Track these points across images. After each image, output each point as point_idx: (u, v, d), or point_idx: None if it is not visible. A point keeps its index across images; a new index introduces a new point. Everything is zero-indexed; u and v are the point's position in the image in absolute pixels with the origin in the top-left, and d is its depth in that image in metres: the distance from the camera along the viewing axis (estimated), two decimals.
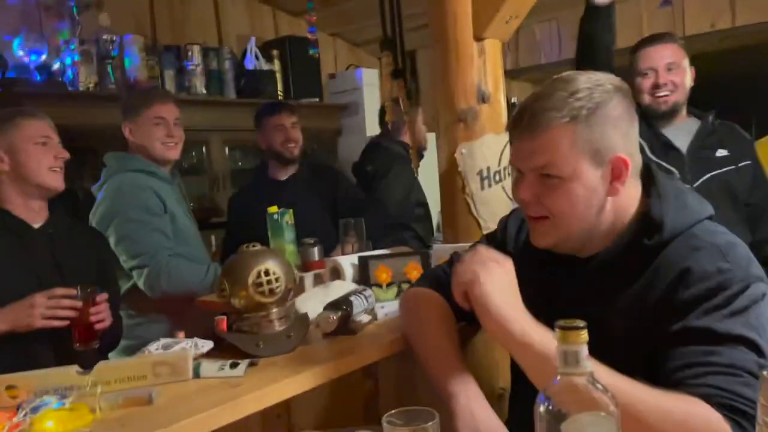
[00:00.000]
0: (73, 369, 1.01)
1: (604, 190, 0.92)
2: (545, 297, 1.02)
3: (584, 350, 0.58)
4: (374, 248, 1.85)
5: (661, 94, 1.85)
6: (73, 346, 1.38)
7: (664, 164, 1.77)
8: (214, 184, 3.22)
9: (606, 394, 0.58)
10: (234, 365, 1.06)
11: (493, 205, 1.60)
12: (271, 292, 1.16)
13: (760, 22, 3.16)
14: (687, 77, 1.89)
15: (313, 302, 1.35)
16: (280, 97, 3.48)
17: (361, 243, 1.96)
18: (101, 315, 1.44)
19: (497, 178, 1.62)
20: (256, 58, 3.38)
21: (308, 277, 1.72)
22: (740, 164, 1.83)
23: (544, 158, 0.91)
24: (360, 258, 1.60)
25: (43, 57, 2.51)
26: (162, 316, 1.93)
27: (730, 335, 0.81)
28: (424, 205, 2.78)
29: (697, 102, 2.01)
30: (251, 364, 1.08)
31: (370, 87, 3.76)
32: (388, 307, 1.43)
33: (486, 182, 1.61)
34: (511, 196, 1.65)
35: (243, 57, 3.37)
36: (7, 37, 2.50)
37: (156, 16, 3.13)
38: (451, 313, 1.15)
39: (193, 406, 0.93)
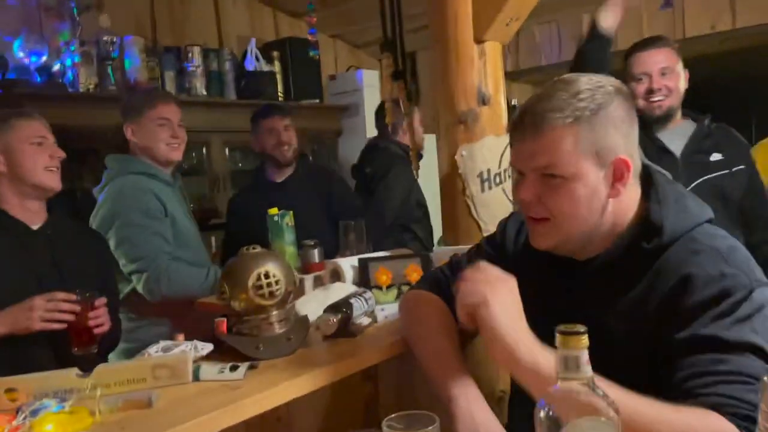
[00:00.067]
0: (73, 372, 1.01)
1: (605, 192, 0.92)
2: (544, 299, 1.02)
3: (585, 355, 0.58)
4: (374, 251, 1.84)
5: (655, 99, 1.85)
6: (72, 350, 1.38)
7: (658, 168, 1.77)
8: (215, 185, 3.22)
9: (606, 399, 0.58)
10: (234, 368, 1.06)
11: (494, 207, 1.60)
12: (271, 294, 1.16)
13: (760, 23, 3.16)
14: (681, 81, 1.89)
15: (313, 304, 1.35)
16: (280, 99, 3.49)
17: (361, 245, 1.96)
18: (100, 319, 1.44)
19: (497, 180, 1.62)
20: (257, 59, 3.38)
21: (308, 279, 1.72)
22: (734, 168, 1.83)
23: (546, 158, 0.91)
24: (360, 260, 1.60)
25: (44, 58, 2.51)
26: (162, 319, 1.93)
27: (737, 343, 0.80)
28: (423, 206, 2.78)
29: (697, 103, 2.01)
30: (251, 367, 1.08)
31: (371, 88, 3.77)
32: (388, 309, 1.42)
33: (486, 184, 1.61)
34: (511, 198, 1.65)
35: (243, 58, 3.37)
36: (7, 38, 2.50)
37: (156, 17, 3.14)
38: (451, 315, 1.15)
39: (192, 409, 0.92)
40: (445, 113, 1.62)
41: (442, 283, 1.21)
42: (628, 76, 1.91)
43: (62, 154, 1.59)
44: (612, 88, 0.94)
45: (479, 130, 1.59)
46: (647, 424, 0.74)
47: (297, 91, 3.54)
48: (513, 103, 3.76)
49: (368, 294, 1.35)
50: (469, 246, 1.30)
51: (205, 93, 3.12)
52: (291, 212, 1.91)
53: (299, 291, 1.54)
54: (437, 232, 2.56)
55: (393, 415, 0.78)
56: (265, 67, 3.41)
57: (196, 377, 1.05)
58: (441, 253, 1.56)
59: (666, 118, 1.88)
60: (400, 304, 1.27)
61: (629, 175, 0.93)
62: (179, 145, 2.04)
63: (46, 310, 1.39)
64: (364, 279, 1.56)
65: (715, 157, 1.84)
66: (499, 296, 0.89)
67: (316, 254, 1.80)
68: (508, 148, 1.67)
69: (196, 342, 1.16)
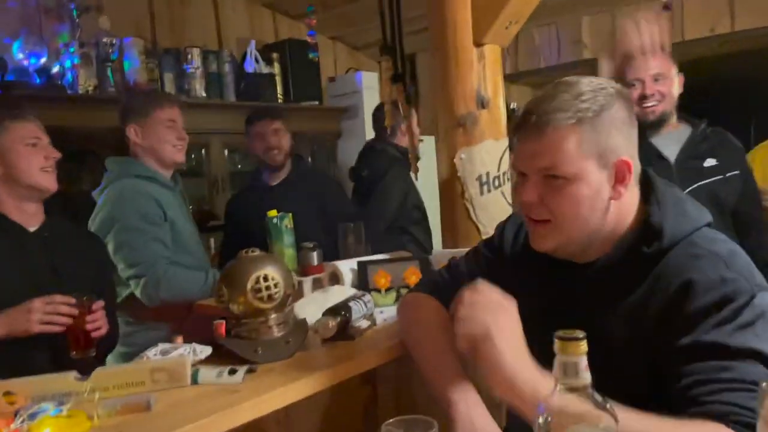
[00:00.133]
0: (72, 375, 1.01)
1: (607, 193, 0.92)
2: (542, 303, 1.01)
3: (583, 361, 0.58)
4: (373, 253, 1.84)
5: (649, 104, 1.86)
6: (70, 354, 1.38)
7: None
8: (214, 186, 3.22)
9: (605, 405, 0.58)
10: (232, 372, 1.06)
11: (492, 210, 1.60)
12: (270, 297, 1.16)
13: (759, 26, 3.16)
14: (675, 87, 1.89)
15: (312, 307, 1.35)
16: (279, 100, 3.49)
17: (360, 247, 1.96)
18: (98, 323, 1.44)
19: (496, 183, 1.62)
20: (256, 61, 3.38)
21: (307, 282, 1.72)
22: (728, 174, 1.83)
23: (550, 159, 0.91)
24: (359, 263, 1.60)
25: (43, 60, 2.51)
26: (160, 323, 1.93)
27: (740, 349, 0.80)
28: (421, 208, 2.78)
29: (695, 107, 2.01)
30: (249, 371, 1.08)
31: (370, 90, 3.77)
32: (387, 312, 1.42)
33: (485, 187, 1.61)
34: (510, 201, 1.65)
35: (243, 60, 3.37)
36: (6, 39, 2.50)
37: (156, 19, 3.13)
38: (449, 319, 1.15)
39: (191, 413, 0.92)
40: (445, 116, 1.62)
41: (441, 286, 1.21)
42: (621, 82, 1.92)
43: (57, 155, 1.59)
44: (613, 90, 0.94)
45: (478, 134, 1.59)
46: None
47: (296, 92, 3.54)
48: (512, 106, 3.77)
49: (367, 297, 1.35)
50: (468, 249, 1.30)
51: (204, 95, 3.12)
52: (290, 214, 1.92)
53: (298, 294, 1.54)
54: (436, 234, 2.57)
55: (391, 420, 0.77)
56: (265, 69, 3.41)
57: (194, 381, 1.05)
58: (440, 256, 1.56)
59: (659, 123, 1.88)
60: (399, 307, 1.27)
61: (630, 177, 0.93)
62: (182, 147, 2.05)
63: (44, 313, 1.38)
64: (363, 281, 1.56)
65: (710, 162, 1.84)
66: (501, 328, 0.86)
67: (315, 257, 1.80)
68: (507, 152, 1.69)
69: (194, 345, 1.16)
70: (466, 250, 1.30)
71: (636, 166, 0.95)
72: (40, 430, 0.86)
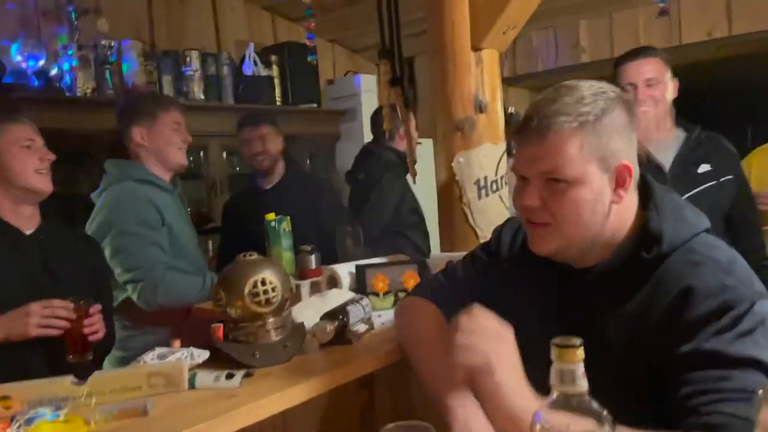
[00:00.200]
0: (68, 379, 1.00)
1: (608, 197, 0.92)
2: (541, 308, 1.02)
3: (580, 368, 0.58)
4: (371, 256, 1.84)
5: (641, 109, 1.86)
6: (67, 357, 1.37)
7: None
8: (212, 189, 3.22)
9: (601, 412, 0.58)
10: (230, 376, 1.06)
11: (490, 214, 1.60)
12: (268, 301, 1.16)
13: (756, 31, 3.18)
14: (668, 91, 1.89)
15: (309, 311, 1.35)
16: (278, 103, 3.49)
17: (358, 250, 1.96)
18: (95, 326, 1.43)
19: (494, 187, 1.62)
20: (255, 63, 3.38)
21: (305, 285, 1.72)
22: (722, 179, 1.83)
23: (552, 162, 0.90)
24: (357, 266, 1.60)
25: (41, 62, 2.51)
26: (157, 328, 1.92)
27: (740, 358, 0.80)
28: (418, 212, 2.78)
29: (693, 110, 2.02)
30: (247, 375, 1.08)
31: (369, 93, 3.77)
32: (385, 315, 1.43)
33: (483, 191, 1.61)
34: (508, 205, 1.65)
35: (241, 63, 3.37)
36: (5, 42, 2.50)
37: (154, 21, 3.14)
38: (446, 322, 1.15)
39: (188, 418, 0.92)
40: (443, 120, 1.63)
41: (438, 290, 1.21)
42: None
43: (52, 156, 1.59)
44: (613, 94, 0.94)
45: (476, 138, 1.59)
46: None
47: (295, 95, 3.54)
48: (510, 110, 3.77)
49: (365, 301, 1.36)
50: (466, 253, 1.30)
51: (202, 97, 3.12)
52: (288, 218, 1.92)
53: (296, 297, 1.54)
54: (434, 237, 2.57)
55: (390, 425, 0.77)
56: (263, 72, 3.42)
57: (191, 385, 1.05)
58: (438, 260, 1.56)
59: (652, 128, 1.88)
60: (396, 311, 1.27)
61: (631, 181, 0.93)
62: (185, 149, 2.06)
63: (42, 317, 1.38)
64: (361, 285, 1.56)
65: (704, 168, 1.84)
66: (500, 359, 0.85)
67: (313, 260, 1.80)
68: (505, 156, 1.69)
69: (192, 349, 1.16)
70: (464, 253, 1.30)
71: (636, 171, 0.95)
72: None
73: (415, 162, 1.93)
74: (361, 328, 1.29)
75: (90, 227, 1.92)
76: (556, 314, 0.99)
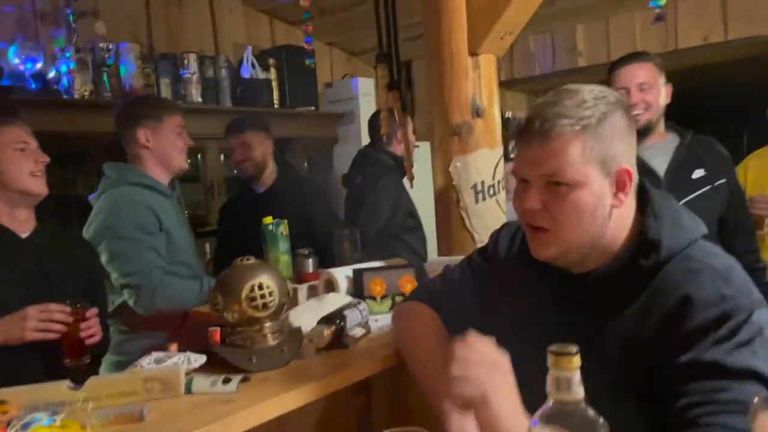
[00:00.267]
0: (65, 384, 1.00)
1: (609, 201, 0.92)
2: (537, 312, 1.01)
3: (576, 376, 0.58)
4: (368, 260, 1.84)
5: (634, 113, 1.87)
6: (64, 361, 1.37)
7: None
8: (210, 191, 3.22)
9: (597, 420, 0.58)
10: (226, 381, 1.06)
11: (487, 218, 1.61)
12: (265, 306, 1.16)
13: (752, 35, 3.19)
14: (661, 96, 1.90)
15: (306, 315, 1.35)
16: (275, 106, 3.49)
17: (356, 254, 1.96)
18: (91, 330, 1.44)
19: (491, 191, 1.63)
20: (253, 66, 3.38)
21: (302, 289, 1.72)
22: (716, 183, 1.84)
23: (554, 164, 0.90)
24: (355, 270, 1.60)
25: (39, 65, 2.50)
26: (154, 332, 1.92)
27: (738, 369, 0.80)
28: (415, 216, 2.78)
29: (689, 115, 2.03)
30: (244, 380, 1.08)
31: (366, 96, 3.78)
32: (382, 320, 1.43)
33: (480, 196, 1.62)
34: (505, 209, 1.66)
35: (239, 65, 3.37)
36: (2, 44, 2.49)
37: (152, 24, 3.13)
38: (444, 327, 1.15)
39: (184, 423, 0.92)
40: (440, 125, 1.63)
41: (434, 294, 1.21)
42: None
43: (46, 159, 1.59)
44: (614, 98, 0.94)
45: (473, 142, 1.60)
46: None
47: (293, 98, 3.54)
48: (507, 115, 3.79)
49: (362, 305, 1.36)
50: (463, 257, 1.30)
51: (200, 100, 3.11)
52: (285, 221, 1.92)
53: (293, 301, 1.54)
54: (431, 240, 2.57)
55: (386, 431, 0.78)
56: (261, 75, 3.41)
57: (188, 390, 1.05)
58: (435, 264, 1.56)
59: (644, 132, 1.89)
60: (393, 316, 1.28)
61: (631, 185, 0.93)
62: (186, 153, 2.07)
63: (39, 321, 1.38)
64: (358, 289, 1.56)
65: (698, 173, 1.85)
66: (497, 390, 0.82)
67: (310, 264, 1.80)
68: (502, 160, 1.69)
69: (189, 354, 1.16)
70: (461, 258, 1.30)
71: (635, 175, 0.95)
72: None
73: (412, 166, 1.93)
74: (358, 332, 1.30)
75: (87, 231, 1.92)
76: (553, 319, 0.98)
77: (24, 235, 1.57)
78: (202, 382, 1.06)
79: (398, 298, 1.51)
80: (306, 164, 3.67)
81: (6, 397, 0.96)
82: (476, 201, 1.61)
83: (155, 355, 1.16)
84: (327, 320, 1.25)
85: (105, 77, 2.69)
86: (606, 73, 1.98)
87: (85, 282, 1.67)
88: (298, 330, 1.26)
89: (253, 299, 1.15)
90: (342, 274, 1.63)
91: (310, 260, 1.81)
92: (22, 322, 1.38)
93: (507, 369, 0.85)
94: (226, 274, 1.20)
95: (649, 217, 0.95)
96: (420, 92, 3.70)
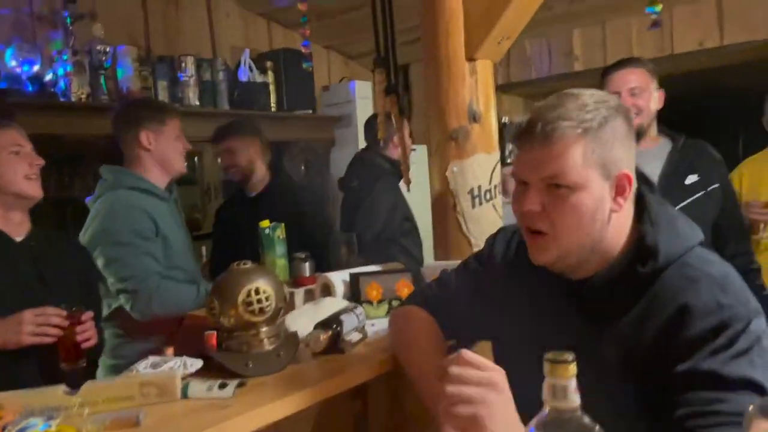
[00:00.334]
0: (60, 389, 1.00)
1: (608, 205, 0.92)
2: (534, 318, 1.02)
3: (572, 384, 0.58)
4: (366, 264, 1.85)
5: None
6: (59, 365, 1.37)
7: None
8: (206, 194, 3.22)
9: (594, 428, 0.58)
10: (223, 386, 1.06)
11: (484, 223, 1.61)
12: (261, 311, 1.16)
13: (748, 40, 3.21)
14: (653, 101, 1.91)
15: (303, 320, 1.35)
16: (273, 109, 3.49)
17: (353, 258, 1.97)
18: (87, 334, 1.43)
19: (488, 196, 1.63)
20: (250, 69, 3.38)
21: (299, 294, 1.72)
22: (709, 188, 1.85)
23: (555, 167, 0.90)
24: (351, 275, 1.60)
25: (36, 67, 2.50)
26: (151, 336, 1.91)
27: (736, 379, 0.80)
28: (411, 219, 2.79)
29: (684, 120, 2.04)
30: (240, 385, 1.08)
31: (364, 100, 3.78)
32: (379, 324, 1.43)
33: (477, 200, 1.62)
34: (501, 214, 1.66)
35: (237, 69, 3.37)
36: None
37: (150, 27, 3.13)
38: (440, 331, 1.15)
39: (180, 428, 0.92)
40: (437, 130, 1.63)
41: (430, 299, 1.22)
42: None
43: (41, 162, 1.59)
44: (614, 103, 0.95)
45: (470, 147, 1.60)
46: None
47: (290, 101, 3.55)
48: (503, 120, 3.79)
49: (359, 309, 1.36)
50: (460, 261, 1.31)
51: (197, 103, 3.11)
52: (282, 225, 1.92)
53: (289, 306, 1.54)
54: (427, 244, 2.57)
55: None
56: (259, 78, 3.42)
57: (184, 395, 1.05)
58: (432, 269, 1.57)
59: (636, 136, 1.90)
60: (390, 320, 1.28)
61: (631, 190, 0.93)
62: (185, 156, 2.09)
63: (36, 325, 1.38)
64: (355, 293, 1.56)
65: (691, 179, 1.86)
66: (492, 410, 0.79)
67: (307, 267, 1.81)
68: (499, 165, 1.70)
69: (185, 358, 1.16)
70: (458, 262, 1.30)
71: (634, 181, 0.95)
72: None
73: (408, 169, 1.93)
74: (355, 337, 1.30)
75: (84, 236, 1.91)
76: (549, 325, 0.98)
77: (18, 239, 1.57)
78: (198, 387, 1.06)
79: (395, 303, 1.52)
80: (303, 167, 3.67)
81: (1, 401, 0.96)
82: (473, 206, 1.62)
83: (151, 359, 1.16)
84: (323, 325, 1.25)
85: (102, 80, 2.69)
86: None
87: (80, 285, 1.67)
88: (295, 335, 1.26)
89: (250, 304, 1.15)
90: (339, 278, 1.63)
91: (307, 264, 1.81)
92: (19, 327, 1.37)
93: (503, 386, 0.81)
94: (222, 279, 1.20)
95: (646, 224, 0.95)
96: (417, 95, 3.70)
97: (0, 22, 2.54)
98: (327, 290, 1.65)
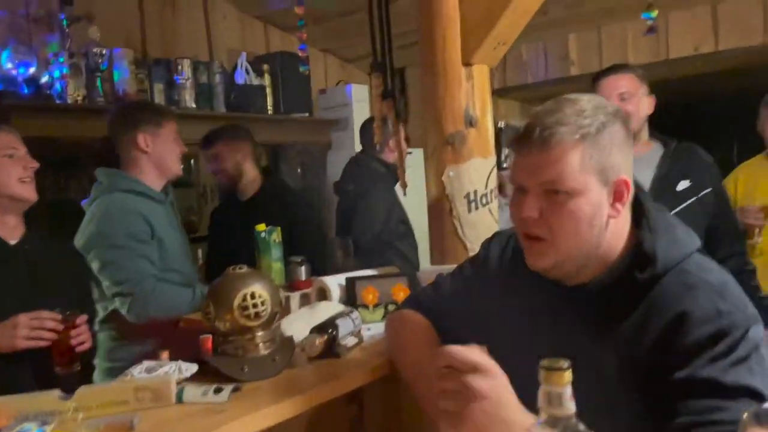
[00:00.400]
0: (55, 394, 1.00)
1: (606, 211, 0.92)
2: (530, 324, 1.01)
3: (568, 391, 0.58)
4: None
5: None
6: (54, 369, 1.36)
7: None
8: (202, 197, 3.22)
9: None
10: (218, 390, 1.05)
11: (480, 227, 1.61)
12: (257, 315, 1.16)
13: (742, 46, 3.23)
14: (642, 106, 1.92)
15: (299, 324, 1.35)
16: (269, 112, 3.49)
17: (349, 261, 1.96)
18: (81, 337, 1.43)
19: (484, 201, 1.63)
20: (247, 72, 3.38)
21: (294, 298, 1.72)
22: (701, 193, 1.86)
23: (554, 173, 0.90)
24: (347, 278, 1.60)
25: (32, 70, 2.49)
26: (147, 339, 1.91)
27: (735, 387, 0.80)
28: (407, 223, 2.79)
29: (679, 123, 2.04)
30: (235, 389, 1.07)
31: (360, 103, 3.78)
32: (375, 328, 1.43)
33: (473, 205, 1.62)
34: (497, 219, 1.66)
35: (233, 71, 3.37)
36: None
37: (146, 29, 3.13)
38: (436, 335, 1.15)
39: None
40: (433, 134, 1.64)
41: (425, 303, 1.22)
42: None
43: (35, 165, 1.58)
44: (612, 109, 0.95)
45: (466, 152, 1.61)
46: None
47: (286, 104, 3.55)
48: (500, 125, 3.80)
49: (355, 314, 1.36)
50: (456, 265, 1.31)
51: (194, 106, 3.10)
52: (278, 228, 1.92)
53: (285, 310, 1.54)
54: (422, 247, 2.57)
55: None
56: (255, 81, 3.41)
57: (179, 399, 1.04)
58: (428, 273, 1.57)
59: None
60: (386, 324, 1.28)
61: (629, 196, 0.93)
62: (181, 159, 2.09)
63: (30, 329, 1.38)
64: (351, 298, 1.56)
65: (683, 185, 1.86)
66: (484, 405, 0.79)
67: (303, 271, 1.80)
68: (495, 170, 1.70)
69: (180, 363, 1.16)
70: (455, 266, 1.30)
71: (633, 187, 0.95)
72: None
73: (404, 173, 1.93)
74: (351, 341, 1.29)
75: (80, 239, 1.90)
76: (546, 331, 0.98)
77: (13, 242, 1.57)
78: (193, 392, 1.05)
79: (391, 307, 1.52)
80: (299, 170, 3.67)
81: None
82: (469, 210, 1.62)
83: (146, 364, 1.16)
84: (319, 329, 1.24)
85: (98, 82, 2.68)
86: None
87: (74, 289, 1.66)
88: (290, 339, 1.26)
89: (245, 308, 1.15)
90: (335, 282, 1.63)
91: (303, 268, 1.81)
92: (13, 330, 1.37)
93: (496, 375, 0.82)
94: (218, 283, 1.20)
95: (645, 230, 0.95)
96: (414, 99, 3.70)
97: None
98: (323, 294, 1.65)
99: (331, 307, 1.47)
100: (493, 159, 1.67)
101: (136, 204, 1.92)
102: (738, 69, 3.77)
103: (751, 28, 3.16)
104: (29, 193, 1.56)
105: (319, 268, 1.91)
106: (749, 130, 2.53)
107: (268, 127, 3.43)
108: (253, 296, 1.15)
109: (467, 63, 1.59)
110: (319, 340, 1.21)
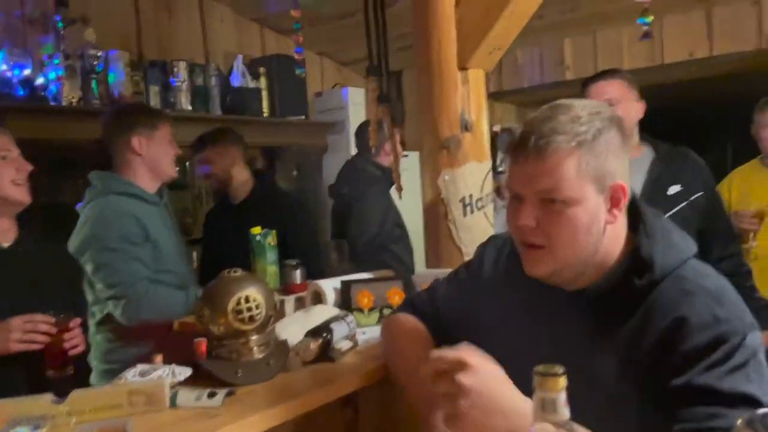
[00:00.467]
0: (48, 398, 0.99)
1: (603, 217, 0.92)
2: (527, 329, 1.01)
3: (562, 397, 0.58)
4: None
5: None
6: (47, 373, 1.36)
7: None
8: (197, 199, 3.21)
9: None
10: (212, 395, 1.05)
11: (475, 231, 1.62)
12: (251, 319, 1.16)
13: (737, 51, 3.25)
14: (632, 112, 1.92)
15: (294, 327, 1.35)
16: (265, 114, 3.49)
17: (344, 265, 1.96)
18: (75, 340, 1.42)
19: (479, 205, 1.64)
20: (243, 75, 3.38)
21: (289, 301, 1.72)
22: (692, 197, 1.86)
23: (550, 181, 0.89)
24: (343, 282, 1.60)
25: (27, 71, 2.48)
26: (142, 342, 1.90)
27: (732, 394, 0.80)
28: (402, 226, 2.79)
29: (674, 129, 2.05)
30: (229, 393, 1.07)
31: (356, 106, 3.79)
32: (370, 332, 1.42)
33: (468, 209, 1.63)
34: (492, 222, 1.67)
35: (229, 74, 3.37)
36: None
37: (142, 31, 3.13)
38: (431, 338, 1.15)
39: None
40: (429, 139, 1.64)
41: (419, 308, 1.21)
42: None
43: (29, 167, 1.58)
44: (607, 115, 0.94)
45: (462, 156, 1.61)
46: None
47: (282, 107, 3.55)
48: (495, 129, 3.81)
49: (350, 317, 1.35)
50: (451, 269, 1.31)
51: (190, 108, 3.10)
52: (274, 232, 1.91)
53: (280, 313, 1.53)
54: (418, 250, 2.57)
55: None
56: (251, 84, 3.41)
57: (173, 403, 1.04)
58: (423, 276, 1.57)
59: None
60: (382, 328, 1.27)
61: (625, 201, 0.93)
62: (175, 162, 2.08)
63: (24, 332, 1.37)
64: (346, 301, 1.56)
65: (673, 189, 1.86)
66: (474, 401, 0.79)
67: (298, 275, 1.80)
68: (490, 174, 1.71)
69: (174, 366, 1.15)
70: (450, 270, 1.30)
71: (629, 192, 0.95)
72: None
73: (400, 177, 1.94)
74: (345, 345, 1.29)
75: (74, 242, 1.89)
76: (543, 337, 0.97)
77: (6, 245, 1.56)
78: (187, 396, 1.05)
79: (386, 311, 1.51)
80: (295, 173, 3.67)
81: None
82: (464, 214, 1.62)
83: (140, 367, 1.15)
84: (314, 333, 1.24)
85: (93, 84, 2.68)
86: None
87: (67, 291, 1.66)
88: (285, 343, 1.26)
89: (240, 312, 1.14)
90: (330, 286, 1.63)
91: (298, 271, 1.80)
92: (7, 333, 1.36)
93: (479, 369, 0.81)
94: (212, 286, 1.19)
95: (642, 235, 0.94)
96: (410, 102, 3.70)
97: None
98: (318, 298, 1.65)
99: (326, 310, 1.47)
100: (488, 163, 1.68)
101: (129, 206, 1.92)
102: (732, 74, 3.79)
103: (746, 33, 3.18)
104: (22, 195, 1.56)
105: (314, 272, 1.90)
106: (743, 135, 2.55)
107: (264, 130, 3.43)
108: (247, 300, 1.15)
109: (463, 67, 1.60)
110: (314, 344, 1.21)
